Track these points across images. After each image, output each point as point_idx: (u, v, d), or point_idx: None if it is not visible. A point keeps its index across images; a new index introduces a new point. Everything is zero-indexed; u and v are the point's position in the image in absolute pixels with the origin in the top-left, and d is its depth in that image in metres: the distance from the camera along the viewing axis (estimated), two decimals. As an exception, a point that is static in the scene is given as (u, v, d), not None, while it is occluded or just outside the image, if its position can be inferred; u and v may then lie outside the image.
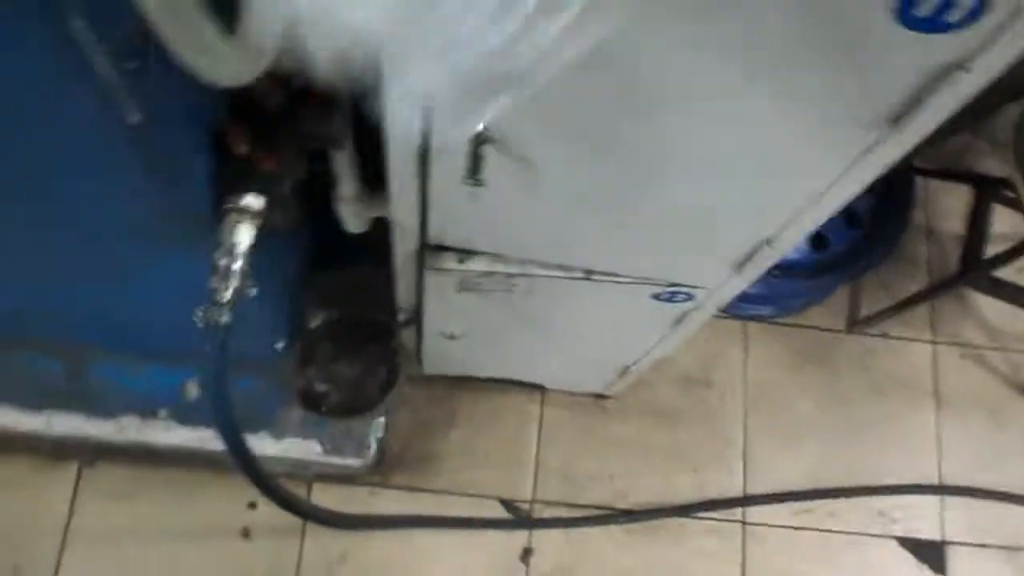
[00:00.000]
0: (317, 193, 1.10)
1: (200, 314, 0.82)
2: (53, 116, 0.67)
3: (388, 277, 1.23)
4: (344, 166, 0.99)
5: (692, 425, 1.82)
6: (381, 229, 1.15)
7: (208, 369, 0.83)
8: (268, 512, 1.59)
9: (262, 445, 1.50)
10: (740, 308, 1.81)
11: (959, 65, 0.61)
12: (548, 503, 1.72)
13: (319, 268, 1.43)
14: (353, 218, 1.12)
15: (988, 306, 1.89)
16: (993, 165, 1.85)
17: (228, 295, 0.81)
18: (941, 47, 0.59)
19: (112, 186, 0.79)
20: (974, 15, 0.56)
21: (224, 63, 0.49)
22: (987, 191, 1.73)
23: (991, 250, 1.67)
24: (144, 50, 0.59)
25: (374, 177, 1.08)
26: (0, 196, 0.84)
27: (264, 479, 0.96)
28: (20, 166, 0.77)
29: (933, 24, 0.57)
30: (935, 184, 1.95)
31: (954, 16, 0.56)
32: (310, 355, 1.45)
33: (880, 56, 0.61)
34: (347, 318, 1.47)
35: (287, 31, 0.62)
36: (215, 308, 0.81)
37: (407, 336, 1.45)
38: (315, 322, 1.46)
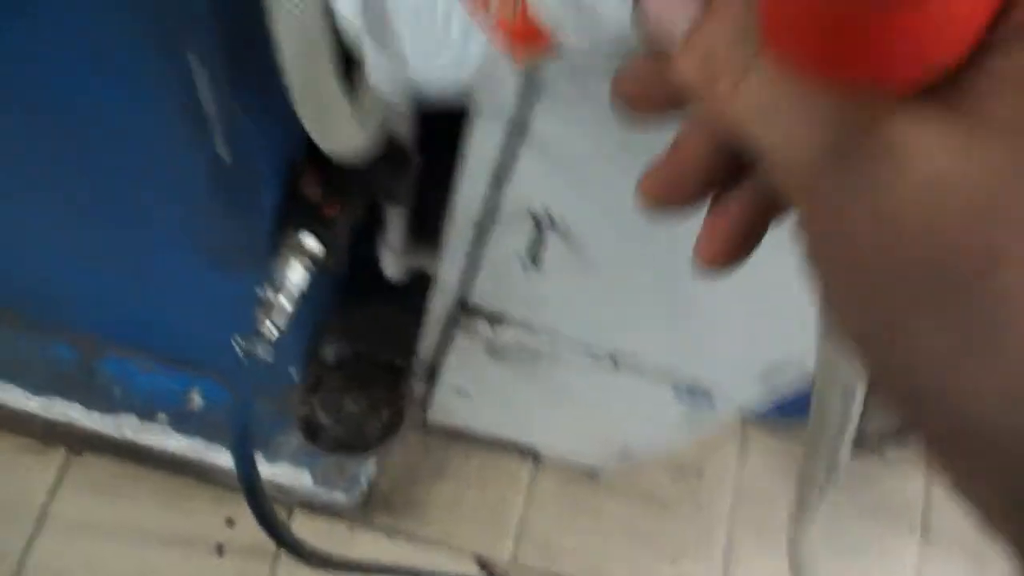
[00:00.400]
0: (359, 235, 1.12)
1: (241, 343, 0.82)
2: (146, 133, 0.69)
3: (414, 322, 1.24)
4: (398, 218, 1.00)
5: (678, 515, 1.81)
6: (419, 277, 1.16)
7: (237, 398, 0.83)
8: (245, 532, 1.58)
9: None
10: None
11: None
12: (524, 568, 1.71)
13: (347, 300, 1.43)
14: (394, 266, 1.13)
15: None
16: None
17: (274, 332, 0.82)
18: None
19: (178, 203, 0.81)
20: None
21: (349, 140, 0.51)
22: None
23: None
24: (243, 92, 0.61)
25: (423, 229, 1.10)
26: (67, 187, 0.85)
27: (265, 509, 0.96)
28: (99, 168, 0.78)
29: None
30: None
31: None
32: (318, 384, 1.45)
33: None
34: (363, 354, 1.47)
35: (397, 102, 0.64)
36: (257, 341, 0.81)
37: (418, 383, 1.45)
38: (330, 352, 1.46)
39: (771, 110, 0.21)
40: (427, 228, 1.06)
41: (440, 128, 0.79)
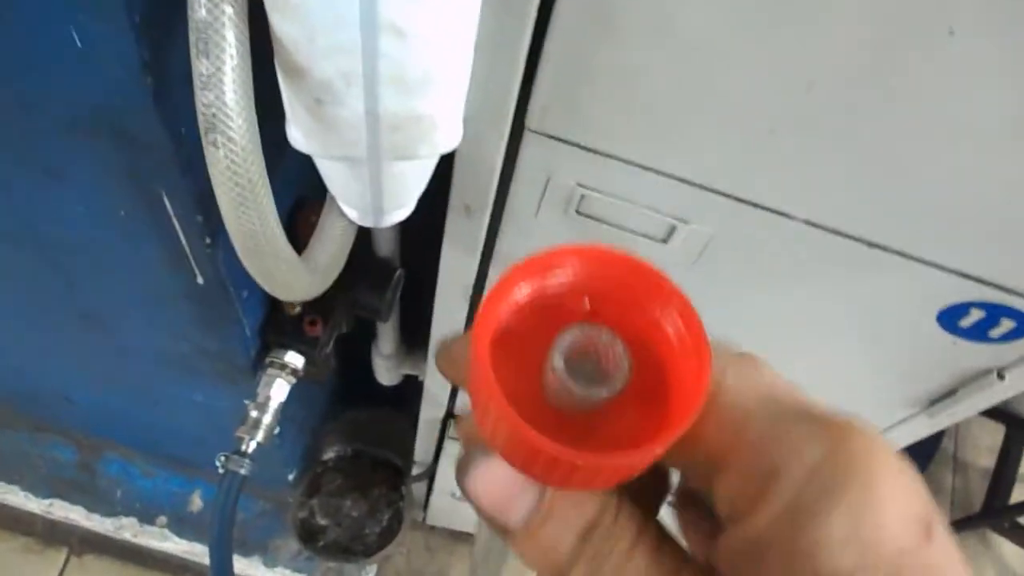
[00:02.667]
0: (355, 339, 1.13)
1: (222, 459, 0.82)
2: (130, 262, 0.71)
3: (410, 427, 1.24)
4: (387, 328, 1.02)
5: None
6: (413, 381, 1.17)
7: (215, 514, 0.83)
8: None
9: (252, 570, 1.48)
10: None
11: (995, 372, 0.62)
12: (529, 677, 1.66)
13: (344, 404, 1.44)
14: (387, 372, 1.14)
15: (1010, 551, 1.83)
16: (1028, 407, 1.83)
17: (252, 447, 0.82)
18: (979, 354, 0.61)
19: (167, 327, 0.82)
20: (1015, 335, 0.57)
21: (297, 288, 0.52)
22: (1018, 434, 1.71)
23: (1019, 494, 1.64)
24: (218, 229, 0.63)
25: (413, 336, 1.11)
26: (63, 311, 0.87)
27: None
28: (93, 295, 0.81)
29: (974, 335, 0.59)
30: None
31: (995, 332, 0.58)
32: (317, 486, 1.45)
33: (921, 350, 0.63)
34: (362, 456, 1.47)
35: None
36: (237, 458, 0.82)
37: (417, 486, 1.44)
38: (329, 454, 1.46)
39: None
40: (417, 336, 1.07)
41: (428, 240, 0.80)
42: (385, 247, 0.86)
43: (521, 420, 0.20)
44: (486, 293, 0.22)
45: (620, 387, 0.22)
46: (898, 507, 0.19)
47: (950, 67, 0.41)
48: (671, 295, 0.22)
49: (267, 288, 0.50)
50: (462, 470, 0.23)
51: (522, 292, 0.23)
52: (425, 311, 0.86)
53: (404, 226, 0.87)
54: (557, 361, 0.22)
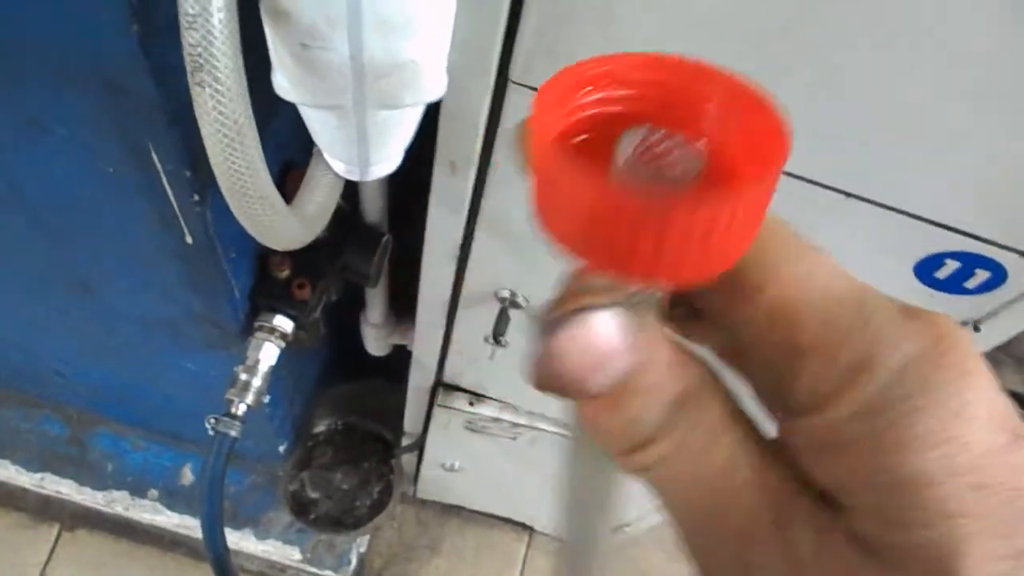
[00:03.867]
0: (345, 309, 1.14)
1: (212, 422, 0.83)
2: (119, 222, 0.72)
3: (400, 398, 1.25)
4: (376, 297, 1.03)
5: (676, 594, 1.78)
6: (402, 352, 1.18)
7: (206, 476, 0.84)
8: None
9: (244, 543, 1.49)
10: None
11: (970, 324, 0.63)
12: (519, 648, 1.68)
13: (336, 375, 1.45)
14: (376, 342, 1.14)
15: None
16: (1016, 381, 1.85)
17: (242, 410, 0.83)
18: (956, 307, 0.62)
19: (155, 289, 0.83)
20: (990, 285, 0.59)
21: (284, 235, 0.53)
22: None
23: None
24: (207, 185, 0.63)
25: (402, 307, 1.12)
26: (51, 276, 0.88)
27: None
28: (81, 257, 0.81)
29: (950, 286, 0.60)
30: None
31: (971, 283, 0.59)
32: (308, 459, 1.46)
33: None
34: (352, 429, 1.48)
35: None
36: (227, 420, 0.82)
37: (407, 457, 1.45)
38: (320, 427, 1.47)
39: (683, 494, 0.22)
40: (405, 307, 1.08)
41: (416, 211, 0.81)
42: (373, 213, 0.87)
43: (598, 177, 0.18)
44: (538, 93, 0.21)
45: (687, 182, 0.20)
46: (988, 410, 0.19)
47: (931, 11, 0.42)
48: (721, 83, 0.21)
49: (253, 233, 0.50)
50: (546, 330, 0.21)
51: (577, 100, 0.22)
52: (414, 281, 0.87)
53: (392, 192, 0.88)
54: (619, 162, 0.20)
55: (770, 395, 0.22)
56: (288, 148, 0.73)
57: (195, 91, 0.41)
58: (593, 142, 0.22)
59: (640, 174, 0.20)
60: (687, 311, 0.24)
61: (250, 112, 0.43)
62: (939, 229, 0.55)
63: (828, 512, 0.20)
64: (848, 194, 0.54)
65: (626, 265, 0.19)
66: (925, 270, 0.59)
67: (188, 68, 0.41)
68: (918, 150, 0.50)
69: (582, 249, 0.19)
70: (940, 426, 0.18)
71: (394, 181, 0.87)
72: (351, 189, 0.85)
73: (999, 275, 0.57)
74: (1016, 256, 0.56)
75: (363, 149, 0.53)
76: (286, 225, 0.52)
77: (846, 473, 0.19)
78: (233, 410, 0.83)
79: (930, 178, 0.52)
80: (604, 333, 0.21)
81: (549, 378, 0.21)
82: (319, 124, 0.52)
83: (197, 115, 0.42)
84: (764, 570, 0.21)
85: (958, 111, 0.47)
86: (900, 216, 0.55)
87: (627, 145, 0.20)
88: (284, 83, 0.48)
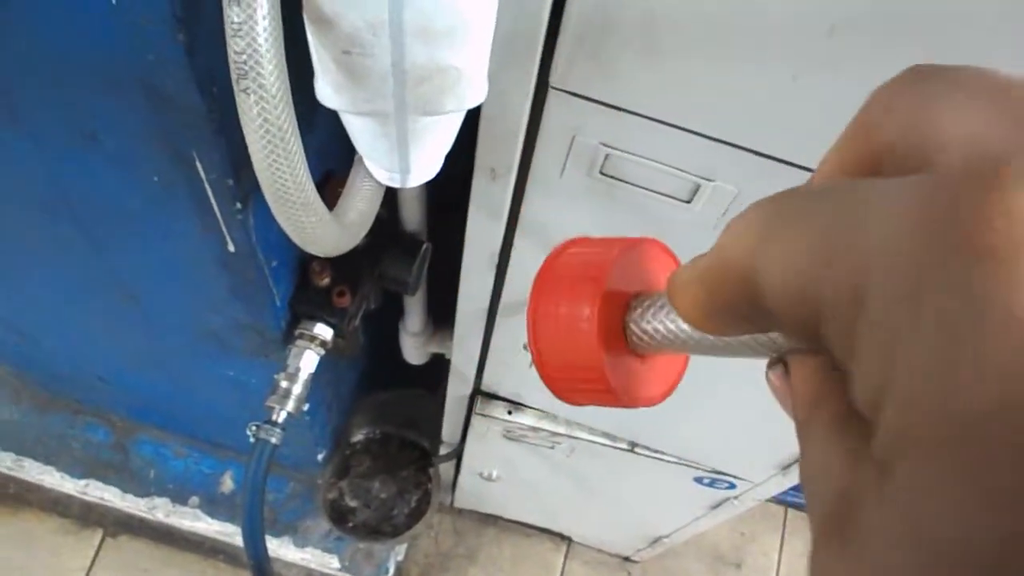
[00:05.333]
0: (383, 318, 1.14)
1: (253, 429, 0.84)
2: (163, 230, 0.73)
3: (438, 407, 1.25)
4: (415, 305, 1.03)
5: (715, 606, 1.76)
6: (440, 361, 1.18)
7: (248, 482, 0.85)
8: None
9: (283, 550, 1.50)
10: (784, 493, 1.77)
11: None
12: (557, 660, 1.67)
13: (374, 384, 1.45)
14: (414, 351, 1.15)
15: None
16: None
17: (283, 417, 0.83)
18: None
19: (198, 298, 0.84)
20: None
21: (326, 241, 0.53)
22: None
23: None
24: (249, 194, 0.64)
25: (440, 316, 1.12)
26: (96, 284, 0.89)
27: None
28: (126, 266, 0.83)
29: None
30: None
31: None
32: (346, 468, 1.46)
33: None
34: (390, 438, 1.48)
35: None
36: (267, 427, 0.83)
37: (445, 466, 1.45)
38: (358, 436, 1.48)
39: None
40: (444, 315, 1.08)
41: (456, 219, 0.81)
42: (412, 221, 0.87)
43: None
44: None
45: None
46: None
47: (973, 7, 0.41)
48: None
49: (296, 239, 0.51)
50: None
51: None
52: (452, 290, 0.87)
53: (431, 201, 0.88)
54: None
55: None
56: (329, 158, 0.74)
57: (240, 98, 0.41)
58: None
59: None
60: None
61: (294, 118, 0.43)
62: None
63: None
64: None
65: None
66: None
67: (233, 75, 0.41)
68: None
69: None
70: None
71: (434, 189, 0.87)
72: (390, 197, 0.85)
73: None
74: None
75: (404, 155, 0.53)
76: (329, 232, 0.52)
77: None
78: (274, 417, 0.84)
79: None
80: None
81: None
82: (361, 131, 0.52)
83: (242, 121, 0.43)
84: None
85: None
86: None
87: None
88: (327, 89, 0.48)
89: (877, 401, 0.16)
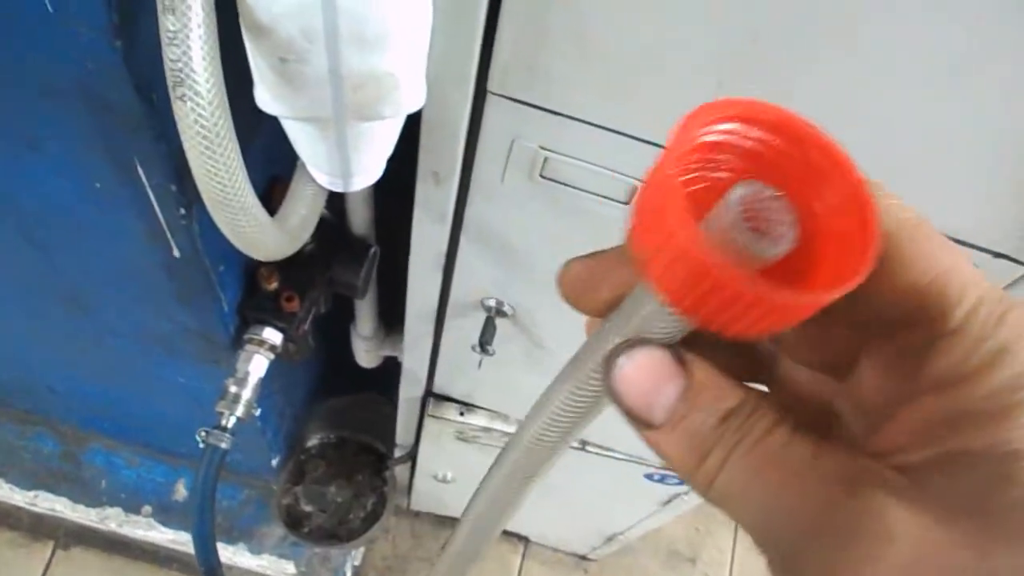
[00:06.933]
0: (335, 323, 1.15)
1: (203, 434, 0.84)
2: (107, 236, 0.73)
3: (393, 411, 1.25)
4: (365, 308, 1.03)
5: (670, 602, 1.78)
6: (394, 364, 1.18)
7: (198, 487, 0.85)
8: (231, 626, 1.56)
9: (238, 557, 1.49)
10: (736, 489, 1.80)
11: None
12: (515, 660, 1.68)
13: (328, 389, 1.45)
14: (366, 354, 1.15)
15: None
16: None
17: (232, 421, 0.83)
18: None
19: (146, 304, 0.84)
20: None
21: (267, 246, 0.54)
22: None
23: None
24: (193, 199, 0.64)
25: (392, 319, 1.13)
26: (42, 291, 0.89)
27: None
28: (73, 273, 0.82)
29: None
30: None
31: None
32: (301, 473, 1.46)
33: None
34: (345, 442, 1.48)
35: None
36: (217, 432, 0.83)
37: (401, 469, 1.46)
38: (313, 441, 1.47)
39: (751, 491, 0.23)
40: (395, 317, 1.08)
41: (402, 222, 0.82)
42: (360, 225, 0.88)
43: (697, 232, 0.21)
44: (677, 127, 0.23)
45: (785, 248, 0.22)
46: None
47: (893, 15, 0.43)
48: (835, 173, 0.23)
49: (236, 243, 0.51)
50: (606, 370, 0.24)
51: (696, 138, 0.23)
52: (402, 293, 0.88)
53: (379, 205, 0.89)
54: (726, 213, 0.22)
55: (892, 377, 0.24)
56: (275, 164, 0.74)
57: (176, 105, 0.42)
58: (706, 180, 0.24)
59: (736, 231, 0.22)
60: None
61: (231, 124, 0.44)
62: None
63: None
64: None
65: (692, 308, 0.21)
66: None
67: (169, 82, 0.42)
68: (894, 150, 0.52)
69: (664, 275, 0.22)
70: None
71: (381, 193, 0.88)
72: (338, 201, 0.86)
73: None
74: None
75: (344, 160, 0.54)
76: (269, 236, 0.53)
77: (969, 439, 0.21)
78: (223, 423, 0.84)
79: (907, 177, 0.53)
80: (649, 367, 0.23)
81: (626, 414, 0.24)
82: (301, 136, 0.53)
83: (179, 128, 0.43)
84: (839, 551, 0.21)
85: (928, 110, 0.48)
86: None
87: (735, 200, 0.22)
88: (265, 96, 0.49)
89: None
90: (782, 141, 0.23)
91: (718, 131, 0.23)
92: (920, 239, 0.23)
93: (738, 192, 0.22)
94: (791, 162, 0.23)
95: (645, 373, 0.23)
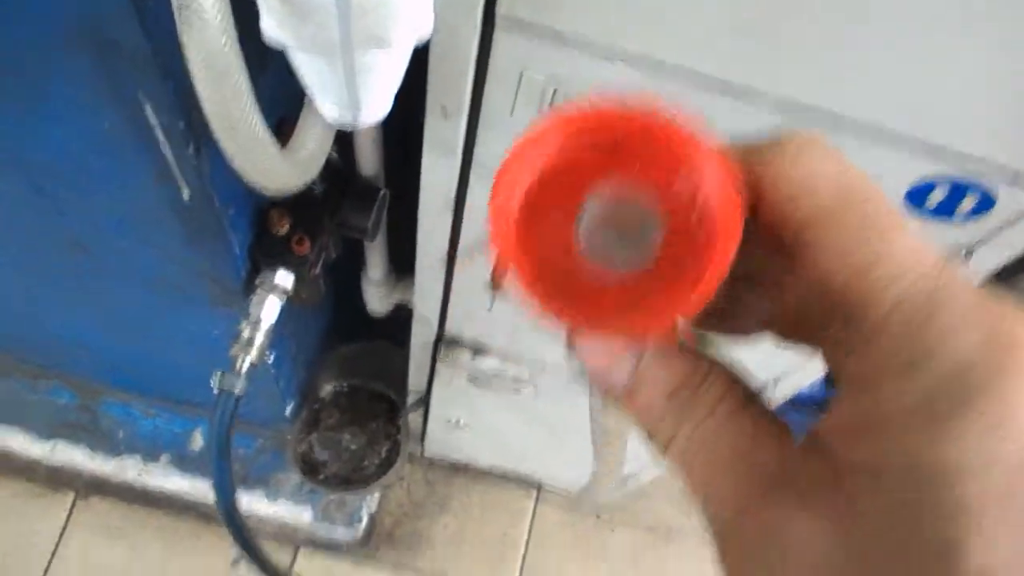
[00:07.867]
0: (345, 270, 1.15)
1: (216, 378, 0.84)
2: (116, 181, 0.72)
3: (405, 359, 1.26)
4: (375, 253, 1.03)
5: (684, 547, 1.80)
6: (405, 314, 1.19)
7: (214, 432, 0.86)
8: (251, 571, 1.59)
9: (255, 504, 1.52)
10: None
11: (963, 251, 0.64)
12: (529, 602, 1.70)
13: (340, 338, 1.46)
14: (378, 300, 1.15)
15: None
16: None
17: (246, 365, 0.84)
18: (947, 235, 0.62)
19: (155, 249, 0.84)
20: (979, 210, 0.59)
21: (275, 176, 0.53)
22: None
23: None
24: (202, 138, 0.64)
25: (403, 266, 1.12)
26: (50, 240, 0.89)
27: (251, 545, 0.98)
28: (81, 220, 0.82)
29: (941, 213, 0.60)
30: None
31: (961, 209, 0.59)
32: (315, 421, 1.48)
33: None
34: (358, 390, 1.50)
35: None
36: (231, 376, 0.83)
37: (414, 417, 1.47)
38: (326, 389, 1.49)
39: (693, 471, 0.24)
40: (407, 264, 1.08)
41: (412, 167, 0.81)
42: (369, 167, 0.87)
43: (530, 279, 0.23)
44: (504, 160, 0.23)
45: (648, 247, 0.22)
46: None
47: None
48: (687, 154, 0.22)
49: (243, 173, 0.51)
50: (570, 346, 0.25)
51: (541, 155, 0.23)
52: (413, 239, 0.88)
53: (388, 148, 0.89)
54: (584, 230, 0.23)
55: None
56: (281, 105, 0.74)
57: (182, 30, 0.41)
58: (563, 193, 0.23)
59: (597, 237, 0.23)
60: (748, 283, 0.26)
61: (238, 50, 0.43)
62: (931, 152, 0.55)
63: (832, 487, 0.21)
64: (839, 116, 0.55)
65: (589, 319, 0.23)
66: (917, 197, 0.59)
67: (175, 8, 0.41)
68: (906, 70, 0.51)
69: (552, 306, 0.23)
70: (980, 445, 0.18)
71: (390, 136, 0.87)
72: (346, 144, 0.85)
73: (987, 201, 0.58)
74: (1004, 179, 0.56)
75: (352, 91, 0.54)
76: (279, 167, 0.52)
77: (878, 454, 0.20)
78: (237, 366, 0.84)
79: (919, 98, 0.53)
80: (600, 347, 0.25)
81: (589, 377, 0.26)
82: (308, 68, 0.52)
83: (186, 56, 0.43)
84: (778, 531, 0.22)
85: (944, 33, 0.48)
86: (892, 141, 0.55)
87: (592, 209, 0.23)
88: (272, 25, 0.48)
89: None
90: (628, 138, 0.22)
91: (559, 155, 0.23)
92: (845, 225, 0.21)
93: (591, 206, 0.23)
94: (647, 154, 0.22)
95: (599, 349, 0.25)
